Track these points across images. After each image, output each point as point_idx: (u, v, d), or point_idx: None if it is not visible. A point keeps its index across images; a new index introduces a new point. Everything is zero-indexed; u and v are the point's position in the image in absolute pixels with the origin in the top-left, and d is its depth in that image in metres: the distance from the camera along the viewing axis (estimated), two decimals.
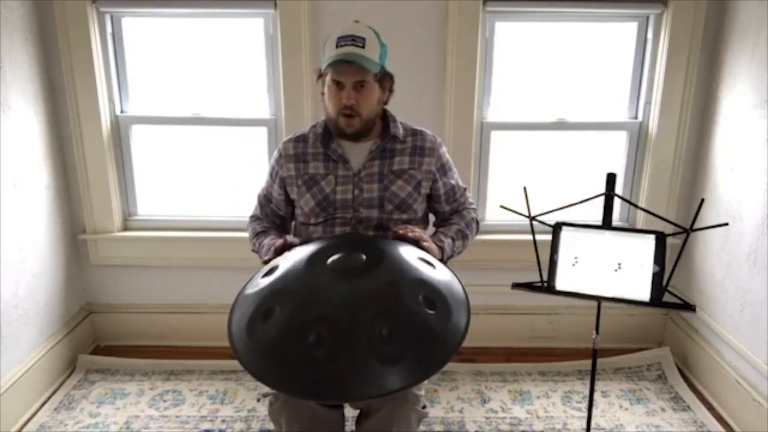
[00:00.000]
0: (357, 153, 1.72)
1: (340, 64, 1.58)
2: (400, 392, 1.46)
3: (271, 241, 1.67)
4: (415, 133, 1.78)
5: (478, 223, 1.86)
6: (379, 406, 1.51)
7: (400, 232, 1.57)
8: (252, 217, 1.89)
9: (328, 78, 1.63)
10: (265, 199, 1.87)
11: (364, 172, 1.70)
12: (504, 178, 2.69)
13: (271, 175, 1.83)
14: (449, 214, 1.83)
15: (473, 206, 1.89)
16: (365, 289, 1.26)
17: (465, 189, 1.88)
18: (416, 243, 1.55)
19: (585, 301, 1.76)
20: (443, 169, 1.80)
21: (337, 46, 1.59)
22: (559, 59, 2.57)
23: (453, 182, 1.83)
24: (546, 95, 2.61)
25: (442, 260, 1.63)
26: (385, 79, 1.69)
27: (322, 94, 1.69)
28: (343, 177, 1.70)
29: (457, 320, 1.30)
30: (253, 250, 1.80)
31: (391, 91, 1.73)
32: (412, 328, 1.24)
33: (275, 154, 1.81)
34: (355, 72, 1.59)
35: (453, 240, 1.72)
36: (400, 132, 1.75)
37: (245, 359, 1.26)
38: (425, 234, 1.63)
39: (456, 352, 1.25)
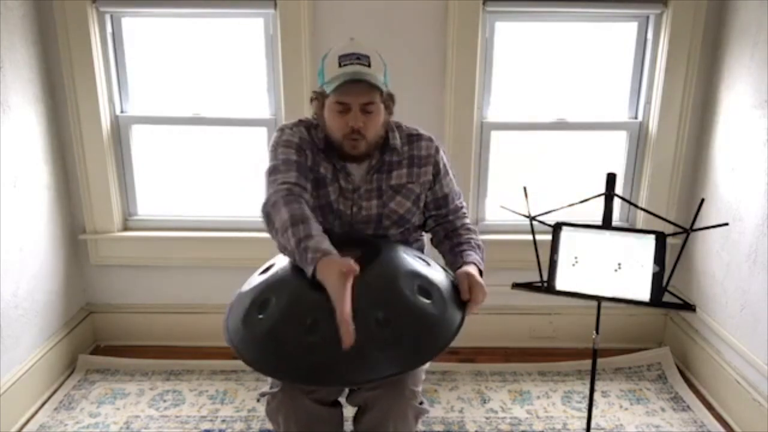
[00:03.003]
0: (358, 167, 1.63)
1: (346, 85, 1.46)
2: (397, 386, 1.47)
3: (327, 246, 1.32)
4: (411, 139, 1.67)
5: (476, 233, 1.74)
6: (375, 401, 1.51)
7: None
8: (284, 187, 1.47)
9: (330, 100, 1.51)
10: (298, 157, 1.56)
11: (364, 188, 1.62)
12: (504, 178, 2.69)
13: (299, 143, 1.59)
14: (444, 217, 1.72)
15: (467, 217, 1.77)
16: (361, 278, 1.27)
17: (460, 199, 1.76)
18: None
19: (585, 301, 1.76)
20: (439, 175, 1.69)
21: (340, 65, 1.48)
22: (559, 59, 2.58)
23: (448, 190, 1.72)
24: (546, 95, 2.61)
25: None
26: (389, 101, 1.60)
27: (322, 115, 1.57)
28: (344, 189, 1.62)
29: (453, 311, 1.33)
30: (283, 246, 1.39)
31: (391, 113, 1.63)
32: (407, 313, 1.26)
33: (289, 131, 1.62)
34: (362, 92, 1.49)
35: (482, 259, 1.62)
36: (398, 143, 1.65)
37: (242, 349, 1.26)
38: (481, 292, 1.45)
39: (453, 338, 1.26)
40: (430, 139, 1.70)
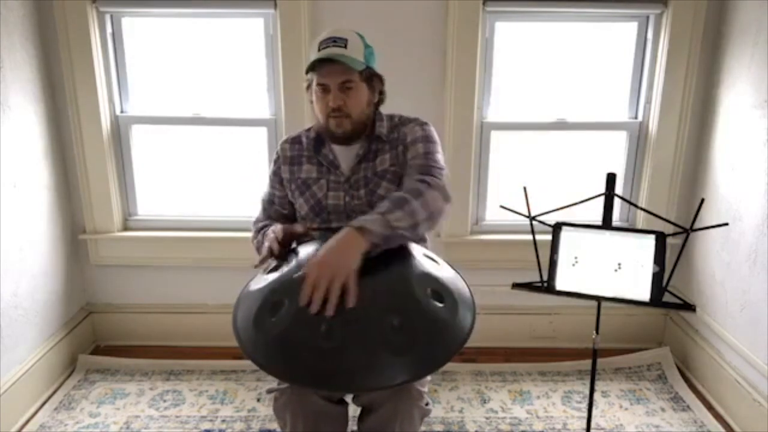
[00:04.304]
0: (347, 157, 1.68)
1: (322, 65, 1.54)
2: (404, 387, 1.47)
3: (275, 228, 1.55)
4: (397, 123, 1.69)
5: (435, 186, 1.46)
6: (381, 402, 1.51)
7: None
8: (255, 220, 1.85)
9: (313, 83, 1.60)
10: (268, 203, 1.82)
11: (354, 178, 1.66)
12: (504, 178, 2.69)
13: (274, 175, 1.78)
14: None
15: (434, 174, 1.53)
16: (374, 281, 1.26)
17: (438, 163, 1.59)
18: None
19: (585, 301, 1.76)
20: (405, 141, 1.62)
21: (319, 49, 1.55)
22: (559, 59, 2.57)
23: (408, 155, 1.60)
24: (546, 95, 2.61)
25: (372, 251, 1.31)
26: (374, 80, 1.63)
27: (311, 102, 1.66)
28: (335, 182, 1.67)
29: (464, 313, 1.31)
30: (257, 249, 1.77)
31: (381, 93, 1.68)
32: (421, 319, 1.24)
33: (274, 155, 1.79)
34: (338, 72, 1.55)
35: (383, 214, 1.33)
36: (384, 131, 1.68)
37: (253, 352, 1.25)
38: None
39: (464, 342, 1.25)
40: (417, 120, 1.69)
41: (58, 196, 2.54)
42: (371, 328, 1.18)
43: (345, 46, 1.55)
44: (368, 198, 1.66)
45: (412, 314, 1.24)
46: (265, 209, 1.84)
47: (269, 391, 1.56)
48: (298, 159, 1.73)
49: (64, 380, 2.50)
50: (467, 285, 1.43)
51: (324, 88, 1.58)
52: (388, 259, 1.37)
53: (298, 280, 1.26)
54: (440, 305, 1.28)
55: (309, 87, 1.65)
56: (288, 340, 1.22)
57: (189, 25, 2.54)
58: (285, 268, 1.40)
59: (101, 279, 2.75)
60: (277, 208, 1.81)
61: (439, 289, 1.32)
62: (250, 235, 1.84)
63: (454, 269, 1.49)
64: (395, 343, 1.19)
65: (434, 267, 1.41)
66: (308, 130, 1.76)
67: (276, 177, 1.78)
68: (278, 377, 1.32)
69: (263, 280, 1.40)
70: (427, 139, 1.64)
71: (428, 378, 1.61)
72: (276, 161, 1.77)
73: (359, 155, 1.67)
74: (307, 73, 1.61)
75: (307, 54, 2.43)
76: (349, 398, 1.64)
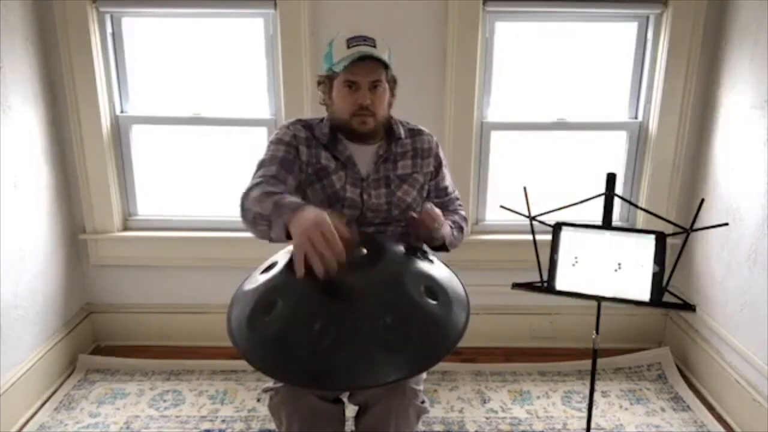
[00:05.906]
0: (363, 156, 1.68)
1: (355, 63, 1.54)
2: (398, 385, 1.47)
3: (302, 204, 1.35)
4: (413, 133, 1.76)
5: (467, 222, 1.85)
6: (376, 401, 1.51)
7: (419, 217, 1.58)
8: (262, 179, 1.55)
9: (338, 80, 1.59)
10: (285, 154, 1.62)
11: (372, 177, 1.67)
12: (504, 178, 2.69)
13: (288, 146, 1.64)
14: (444, 206, 1.81)
15: (462, 208, 1.87)
16: (368, 280, 1.26)
17: (455, 191, 1.87)
18: (430, 224, 1.57)
19: (585, 301, 1.76)
20: (441, 167, 1.81)
21: (348, 47, 1.55)
22: (559, 59, 2.58)
23: (447, 182, 1.83)
24: (546, 95, 2.61)
25: (443, 247, 1.69)
26: (393, 83, 1.69)
27: (330, 97, 1.64)
28: (353, 178, 1.66)
29: (458, 311, 1.32)
30: (259, 214, 1.43)
31: (393, 95, 1.71)
32: (415, 317, 1.25)
33: (284, 129, 1.68)
34: (370, 70, 1.57)
35: (451, 228, 1.71)
36: (403, 133, 1.73)
37: (247, 352, 1.25)
38: (441, 217, 1.60)
39: (459, 339, 1.26)
40: (430, 135, 1.81)
41: (58, 196, 2.54)
42: (365, 326, 1.19)
43: (375, 46, 1.57)
44: (388, 198, 1.68)
45: (406, 312, 1.24)
46: (272, 165, 1.61)
47: (265, 390, 1.57)
48: (315, 145, 1.67)
49: (64, 380, 2.50)
50: (461, 283, 1.43)
51: (352, 86, 1.58)
52: (381, 258, 1.37)
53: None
54: (434, 303, 1.29)
55: (322, 83, 1.66)
56: (282, 339, 1.22)
57: (189, 25, 2.54)
58: (278, 268, 1.40)
59: (101, 279, 2.75)
60: (283, 170, 1.61)
61: (432, 287, 1.32)
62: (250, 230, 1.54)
63: (448, 267, 1.50)
64: (389, 340, 1.19)
65: (428, 265, 1.41)
66: (321, 121, 1.72)
67: (295, 141, 1.65)
68: (272, 377, 1.32)
69: (257, 280, 1.40)
70: (445, 163, 1.84)
71: (423, 376, 1.62)
72: (294, 137, 1.66)
73: (380, 155, 1.69)
74: (330, 69, 1.61)
75: (307, 54, 2.43)
76: (345, 397, 1.64)
